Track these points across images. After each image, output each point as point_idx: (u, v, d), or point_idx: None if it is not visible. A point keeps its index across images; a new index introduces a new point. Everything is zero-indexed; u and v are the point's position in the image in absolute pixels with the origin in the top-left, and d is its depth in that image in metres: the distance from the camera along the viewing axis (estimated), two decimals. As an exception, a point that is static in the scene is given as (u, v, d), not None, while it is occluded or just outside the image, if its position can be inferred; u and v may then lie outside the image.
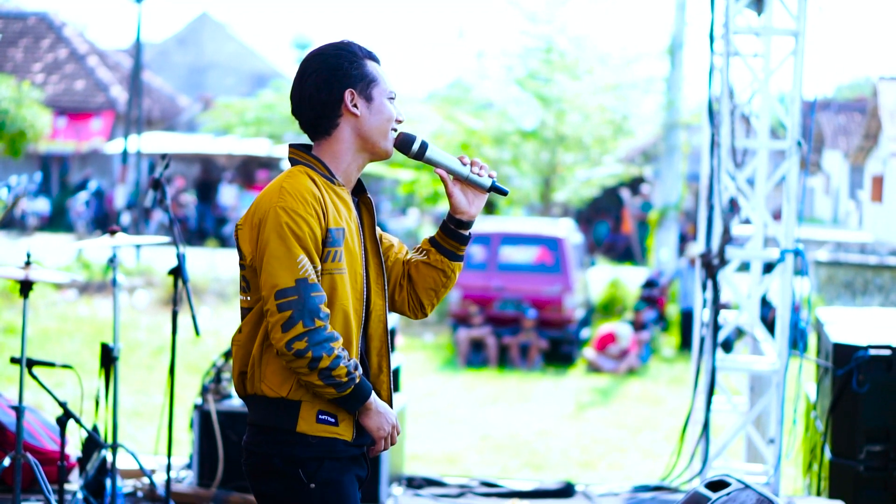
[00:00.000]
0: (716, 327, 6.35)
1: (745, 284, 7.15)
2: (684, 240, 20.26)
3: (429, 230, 23.08)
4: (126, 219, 20.66)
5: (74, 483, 5.75)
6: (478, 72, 19.89)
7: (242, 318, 3.05)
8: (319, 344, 2.87)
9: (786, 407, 6.52)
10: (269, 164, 27.07)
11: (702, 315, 6.66)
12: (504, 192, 3.16)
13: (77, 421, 5.19)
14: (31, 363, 4.95)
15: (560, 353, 13.74)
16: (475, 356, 13.31)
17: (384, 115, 3.08)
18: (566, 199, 19.74)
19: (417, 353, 13.59)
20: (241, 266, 3.03)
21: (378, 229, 3.20)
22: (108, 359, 5.25)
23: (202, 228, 25.66)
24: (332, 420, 2.99)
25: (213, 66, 41.99)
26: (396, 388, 6.50)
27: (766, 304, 12.25)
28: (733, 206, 6.84)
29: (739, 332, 9.35)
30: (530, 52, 18.18)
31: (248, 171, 28.27)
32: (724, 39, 6.33)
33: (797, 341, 6.37)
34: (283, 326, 2.87)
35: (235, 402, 5.90)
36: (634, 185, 24.40)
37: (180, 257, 5.16)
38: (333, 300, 2.97)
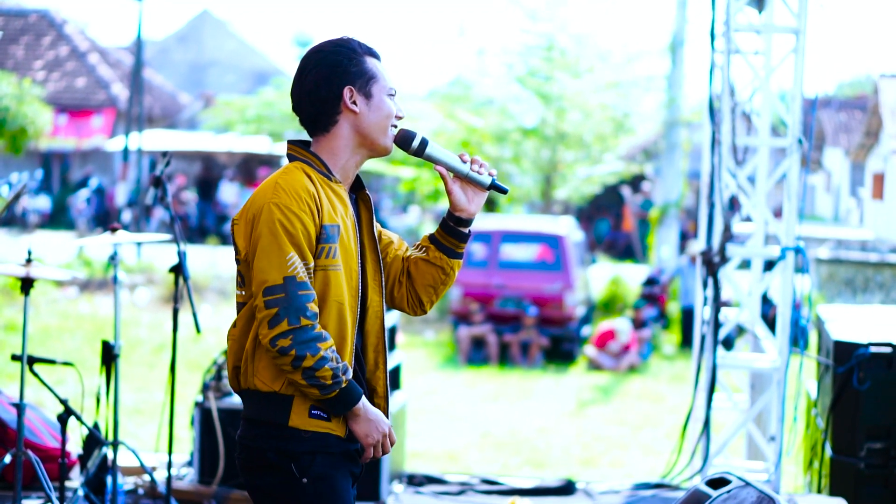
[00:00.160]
0: (716, 325, 6.35)
1: (746, 282, 7.15)
2: (685, 237, 20.24)
3: (430, 227, 23.08)
4: (127, 216, 20.68)
5: (75, 480, 5.76)
6: (478, 69, 19.90)
7: (238, 313, 3.05)
8: (304, 343, 2.87)
9: (786, 404, 6.52)
10: (270, 161, 27.07)
11: (702, 312, 6.65)
12: (504, 191, 3.15)
13: (78, 418, 5.20)
14: (31, 360, 4.96)
15: (561, 351, 13.74)
16: (476, 354, 13.31)
17: (383, 111, 3.08)
18: (567, 197, 19.73)
19: (418, 350, 13.59)
20: (237, 261, 3.04)
21: (377, 226, 3.20)
22: (109, 356, 5.25)
23: (203, 226, 25.64)
24: (325, 415, 2.99)
25: (214, 64, 42.01)
26: (396, 386, 6.50)
27: (766, 302, 12.24)
28: (734, 204, 6.84)
29: (740, 330, 9.34)
30: (531, 49, 18.17)
31: (249, 168, 28.29)
32: (724, 37, 6.33)
33: (798, 339, 6.37)
34: (269, 323, 2.88)
35: (236, 400, 5.87)
36: (635, 182, 24.39)
37: (181, 255, 5.17)
38: (327, 296, 2.97)
